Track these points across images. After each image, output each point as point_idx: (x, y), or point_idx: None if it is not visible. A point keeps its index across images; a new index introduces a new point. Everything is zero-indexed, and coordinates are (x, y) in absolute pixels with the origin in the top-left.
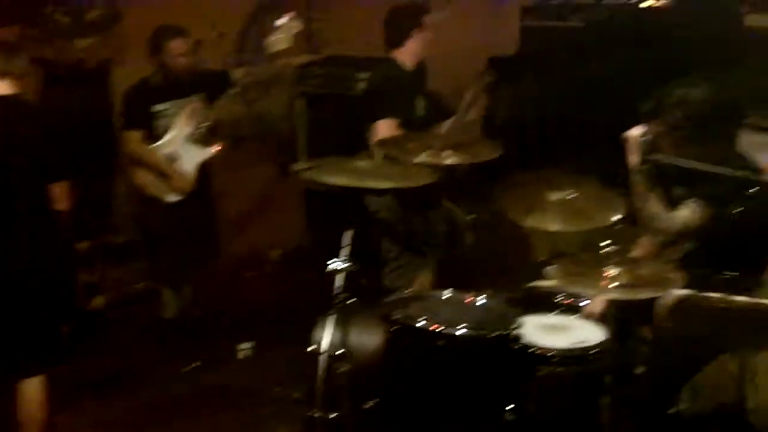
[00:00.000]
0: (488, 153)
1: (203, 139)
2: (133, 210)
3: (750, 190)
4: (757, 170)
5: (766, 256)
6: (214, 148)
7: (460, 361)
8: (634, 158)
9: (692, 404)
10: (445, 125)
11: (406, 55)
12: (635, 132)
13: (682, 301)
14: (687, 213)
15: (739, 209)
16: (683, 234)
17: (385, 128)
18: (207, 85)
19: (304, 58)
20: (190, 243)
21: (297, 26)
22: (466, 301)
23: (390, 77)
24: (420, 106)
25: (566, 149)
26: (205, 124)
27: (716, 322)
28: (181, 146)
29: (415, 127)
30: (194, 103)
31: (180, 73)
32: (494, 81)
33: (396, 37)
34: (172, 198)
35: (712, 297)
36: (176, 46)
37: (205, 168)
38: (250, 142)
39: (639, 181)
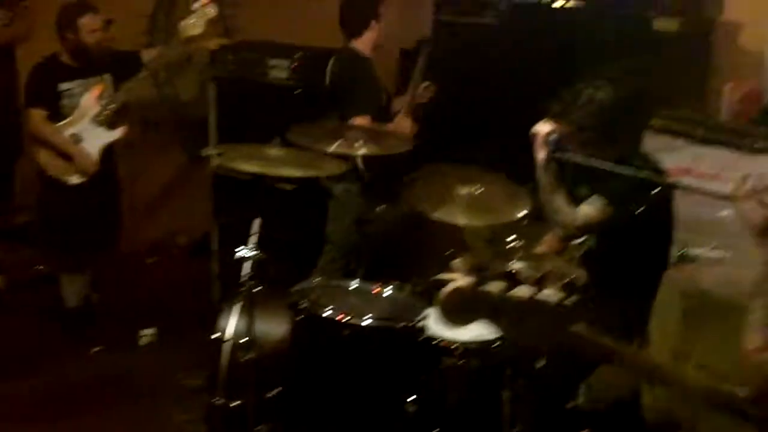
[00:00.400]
0: (400, 145)
1: (109, 120)
2: (36, 191)
3: (652, 191)
4: (660, 171)
5: (665, 256)
6: (120, 131)
7: (365, 352)
8: (541, 155)
9: (590, 399)
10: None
11: (365, 44)
12: (543, 129)
13: (459, 292)
14: (589, 209)
15: (640, 209)
16: (585, 229)
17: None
18: (116, 65)
19: (216, 42)
20: (91, 228)
21: (212, 12)
22: (373, 291)
23: (356, 68)
24: (383, 95)
25: (475, 144)
26: (112, 105)
27: (492, 315)
28: (86, 127)
29: (381, 117)
30: (102, 83)
31: (90, 51)
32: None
33: (356, 27)
34: (75, 180)
35: (489, 291)
36: (88, 22)
37: (110, 151)
38: (158, 126)
39: (545, 177)
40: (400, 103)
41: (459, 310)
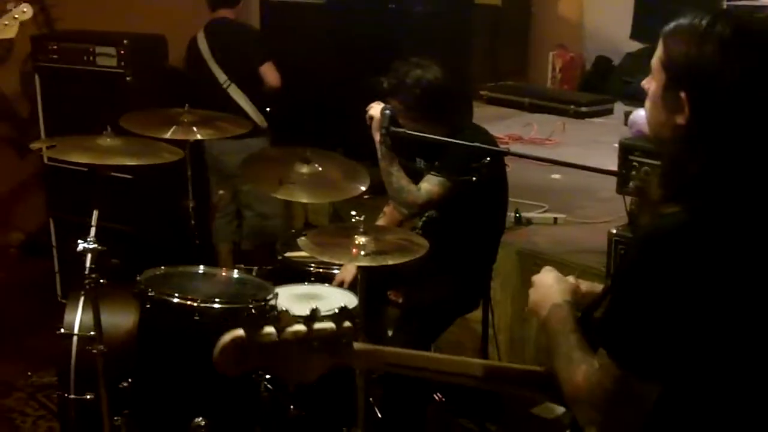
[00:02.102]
0: (236, 128)
1: None
2: None
3: (483, 160)
4: (491, 141)
5: (502, 220)
6: None
7: (217, 335)
8: (377, 137)
9: None
10: None
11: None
12: (376, 107)
13: (235, 345)
14: (430, 186)
15: (475, 177)
16: (428, 205)
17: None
18: None
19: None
20: None
21: (28, 13)
22: (220, 275)
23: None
24: None
25: (311, 123)
26: None
27: (269, 359)
28: None
29: None
30: None
31: None
32: None
33: None
34: None
35: (266, 333)
36: None
37: None
38: None
39: (383, 155)
40: None
41: (239, 359)
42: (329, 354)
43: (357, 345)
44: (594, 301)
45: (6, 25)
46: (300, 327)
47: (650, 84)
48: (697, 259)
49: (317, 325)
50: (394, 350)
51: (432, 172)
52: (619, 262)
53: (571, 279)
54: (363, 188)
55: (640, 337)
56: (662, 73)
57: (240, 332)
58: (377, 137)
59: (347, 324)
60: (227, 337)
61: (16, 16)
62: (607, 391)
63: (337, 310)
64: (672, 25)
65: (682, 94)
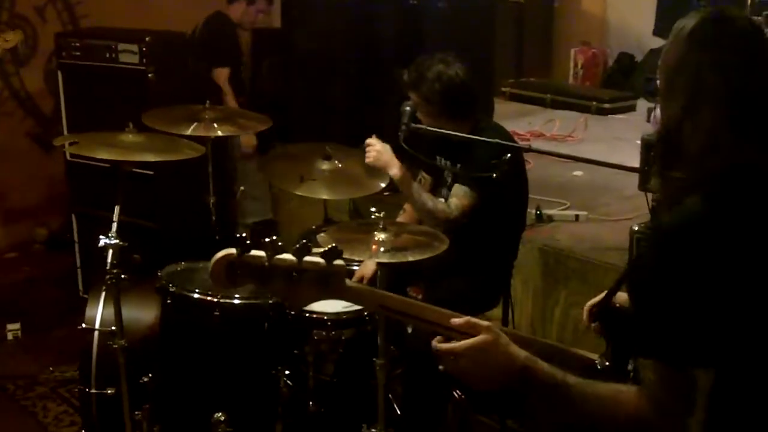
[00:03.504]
0: (257, 125)
1: None
2: None
3: (504, 157)
4: (509, 138)
5: (523, 217)
6: None
7: (237, 330)
8: (394, 171)
9: None
10: None
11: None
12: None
13: (227, 258)
14: (458, 200)
15: (495, 174)
16: (463, 217)
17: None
18: None
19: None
20: None
21: (11, 42)
22: None
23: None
24: None
25: (332, 120)
26: None
27: (261, 281)
28: None
29: None
30: None
31: None
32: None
33: None
34: None
35: (255, 256)
36: None
37: None
38: (7, 117)
39: (401, 182)
40: None
41: (228, 275)
42: (317, 288)
43: (350, 282)
44: (609, 291)
45: None
46: (290, 257)
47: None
48: (720, 242)
49: (307, 258)
50: (390, 295)
51: (458, 183)
52: (639, 256)
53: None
54: (383, 185)
55: (682, 329)
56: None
57: (232, 251)
58: (393, 172)
59: (339, 262)
60: (220, 254)
61: (3, 43)
62: (680, 398)
63: (327, 248)
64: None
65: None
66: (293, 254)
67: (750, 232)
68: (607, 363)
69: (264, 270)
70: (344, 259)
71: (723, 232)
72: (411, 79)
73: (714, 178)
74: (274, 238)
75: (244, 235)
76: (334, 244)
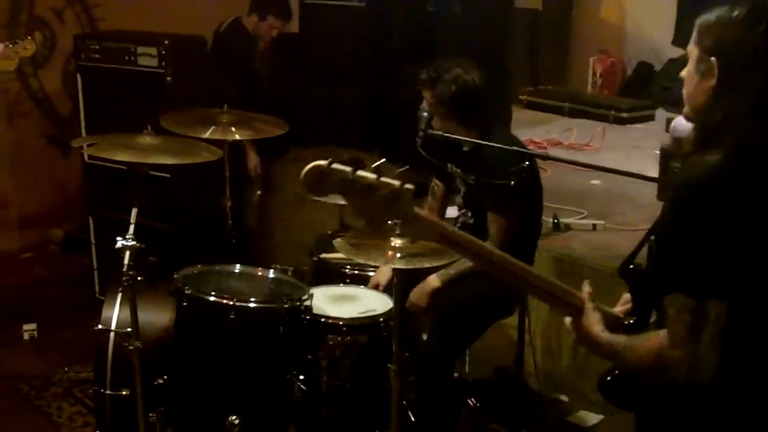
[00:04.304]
0: (274, 129)
1: None
2: None
3: (522, 164)
4: (521, 146)
5: (538, 225)
6: None
7: (252, 334)
8: (435, 283)
9: (474, 369)
10: None
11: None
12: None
13: (318, 167)
14: (492, 228)
15: (512, 181)
16: (506, 244)
17: None
18: None
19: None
20: None
21: (30, 51)
22: (255, 274)
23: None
24: None
25: (348, 124)
26: None
27: (344, 191)
28: None
29: None
30: None
31: None
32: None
33: None
34: None
35: (342, 168)
36: None
37: None
38: (26, 118)
39: (445, 276)
40: None
41: (316, 183)
42: (385, 206)
43: (417, 209)
44: (633, 250)
45: (7, 57)
46: (370, 175)
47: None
48: (738, 188)
49: (383, 179)
50: (452, 228)
51: (489, 213)
52: (667, 204)
53: (586, 288)
54: None
55: (702, 264)
56: (696, 49)
57: (322, 162)
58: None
59: (409, 186)
60: (311, 164)
61: (18, 51)
62: (689, 327)
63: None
64: (703, 16)
65: (713, 59)
66: (373, 172)
67: (765, 182)
68: (632, 320)
69: (347, 182)
70: (360, 266)
71: (740, 180)
72: (428, 77)
73: (734, 140)
74: (358, 156)
75: (337, 151)
76: (407, 168)
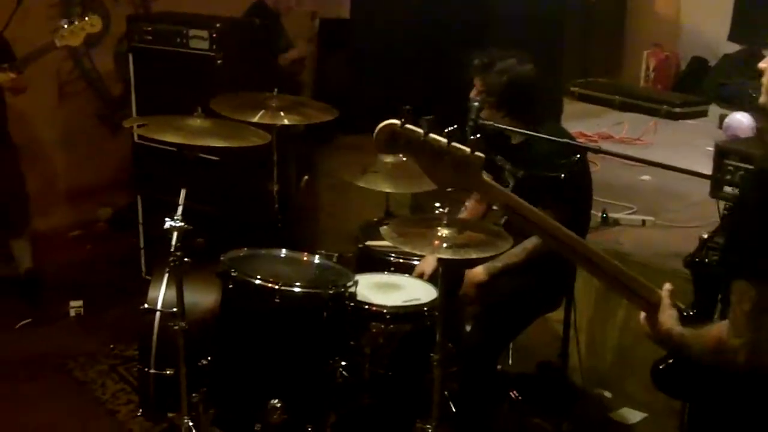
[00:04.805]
0: (322, 115)
1: None
2: None
3: (573, 157)
4: (571, 139)
5: (587, 220)
6: None
7: (295, 319)
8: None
9: (517, 362)
10: None
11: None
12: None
13: (391, 125)
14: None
15: (562, 174)
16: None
17: None
18: None
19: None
20: None
21: (97, 27)
22: (301, 259)
23: None
24: None
25: (396, 112)
26: None
27: (414, 151)
28: None
29: None
30: None
31: None
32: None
33: None
34: None
35: (414, 129)
36: None
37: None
38: (77, 97)
39: (492, 268)
40: None
41: (388, 141)
42: (454, 170)
43: (485, 175)
44: (702, 243)
45: (72, 32)
46: (441, 139)
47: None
48: None
49: (454, 144)
50: (519, 200)
51: (537, 207)
52: (739, 193)
53: (667, 286)
54: None
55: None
56: None
57: (396, 121)
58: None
59: (479, 154)
60: (385, 122)
61: (84, 27)
62: (749, 315)
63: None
64: None
65: None
66: (444, 136)
67: None
68: (693, 312)
69: (417, 143)
70: (404, 254)
71: None
72: (481, 63)
73: None
74: (432, 117)
75: (409, 108)
76: (479, 135)
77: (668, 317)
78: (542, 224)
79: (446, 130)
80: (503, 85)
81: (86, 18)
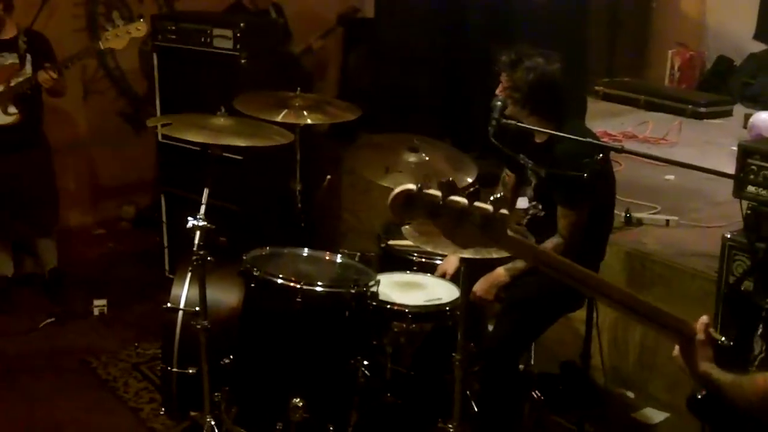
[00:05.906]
0: (346, 114)
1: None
2: None
3: (596, 157)
4: (595, 139)
5: (610, 219)
6: (13, 118)
7: (318, 318)
8: (503, 278)
9: (539, 362)
10: None
11: None
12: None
13: (407, 191)
14: (561, 221)
15: (585, 173)
16: (577, 235)
17: None
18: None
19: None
20: (19, 195)
21: (142, 32)
22: (323, 258)
23: None
24: None
25: (421, 112)
26: (21, 86)
27: (432, 215)
28: None
29: None
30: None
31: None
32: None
33: None
34: None
35: (432, 193)
36: None
37: (34, 125)
38: (102, 95)
39: (513, 270)
40: None
41: (405, 207)
42: (481, 230)
43: (510, 232)
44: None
45: (117, 36)
46: (462, 199)
47: None
48: None
49: (477, 203)
50: (547, 252)
51: (559, 207)
52: None
53: (703, 319)
54: (470, 179)
55: None
56: None
57: (412, 186)
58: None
59: (504, 211)
60: (400, 188)
61: (130, 31)
62: None
63: (495, 197)
64: None
65: None
66: (465, 197)
67: None
68: (731, 343)
69: (436, 206)
70: (427, 254)
71: None
72: (509, 60)
73: None
74: (450, 179)
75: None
76: (500, 194)
77: (703, 359)
78: (575, 275)
79: (468, 191)
80: (530, 83)
81: (130, 23)
